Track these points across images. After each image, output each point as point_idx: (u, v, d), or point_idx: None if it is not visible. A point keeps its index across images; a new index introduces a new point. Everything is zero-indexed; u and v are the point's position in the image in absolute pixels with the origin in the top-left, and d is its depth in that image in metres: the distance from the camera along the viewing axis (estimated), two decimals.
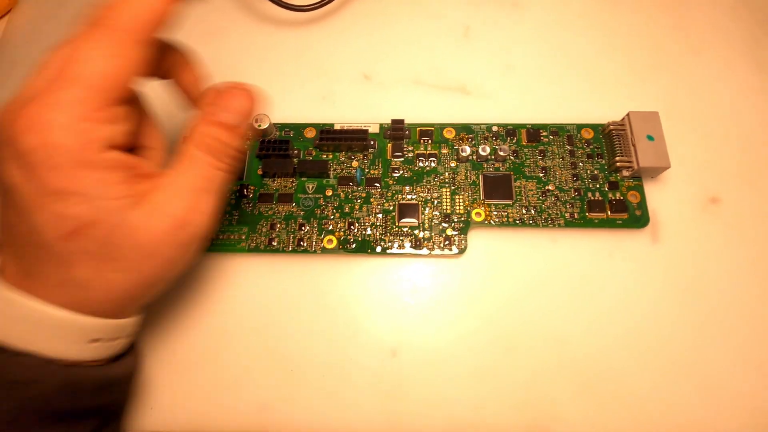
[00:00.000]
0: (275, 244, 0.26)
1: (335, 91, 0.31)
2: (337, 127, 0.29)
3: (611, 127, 0.27)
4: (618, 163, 0.26)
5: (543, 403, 0.24)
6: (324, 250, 0.26)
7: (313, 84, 0.31)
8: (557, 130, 0.28)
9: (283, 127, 0.29)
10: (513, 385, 0.24)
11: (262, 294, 0.26)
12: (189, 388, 0.24)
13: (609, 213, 0.26)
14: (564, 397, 0.24)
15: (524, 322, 0.25)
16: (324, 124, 0.29)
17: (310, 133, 0.29)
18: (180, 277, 0.21)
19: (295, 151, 0.28)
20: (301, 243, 0.26)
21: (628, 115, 0.27)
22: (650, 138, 0.26)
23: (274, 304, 0.26)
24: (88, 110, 0.15)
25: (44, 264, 0.16)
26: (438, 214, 0.27)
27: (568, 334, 0.25)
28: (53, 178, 0.15)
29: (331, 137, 0.28)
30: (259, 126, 0.28)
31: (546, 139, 0.28)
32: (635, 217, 0.26)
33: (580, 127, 0.28)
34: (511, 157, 0.28)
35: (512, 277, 0.26)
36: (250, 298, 0.26)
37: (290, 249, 0.26)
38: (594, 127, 0.28)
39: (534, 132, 0.28)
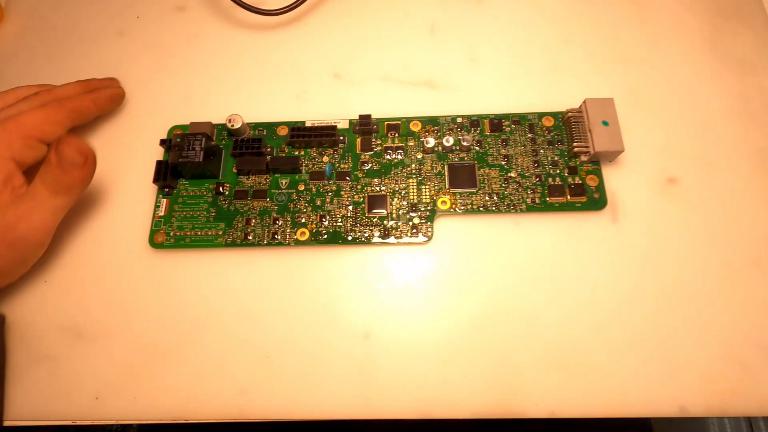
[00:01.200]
0: (251, 238, 0.28)
1: (307, 90, 0.32)
2: (308, 124, 0.30)
3: (569, 114, 0.28)
4: (576, 149, 0.28)
5: (511, 381, 0.25)
6: (297, 243, 0.27)
7: (286, 84, 0.32)
8: (519, 119, 0.29)
9: (256, 126, 0.30)
10: (482, 364, 0.25)
11: (239, 286, 0.27)
12: (171, 377, 0.26)
13: (568, 197, 0.27)
14: (531, 376, 0.25)
15: (491, 304, 0.26)
16: (295, 122, 0.30)
17: (283, 131, 0.30)
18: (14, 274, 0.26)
19: (268, 149, 0.30)
20: (276, 236, 0.28)
21: (584, 102, 0.28)
22: (605, 123, 0.27)
23: (251, 296, 0.27)
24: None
25: None
26: (405, 203, 0.28)
27: (534, 313, 0.26)
28: None
29: (301, 134, 0.29)
30: (232, 126, 0.29)
31: (508, 128, 0.29)
32: (593, 200, 0.27)
33: (541, 115, 0.30)
34: (475, 147, 0.29)
35: (479, 261, 0.27)
36: (228, 290, 0.27)
37: (265, 242, 0.27)
38: (554, 115, 0.30)
39: (497, 122, 0.29)
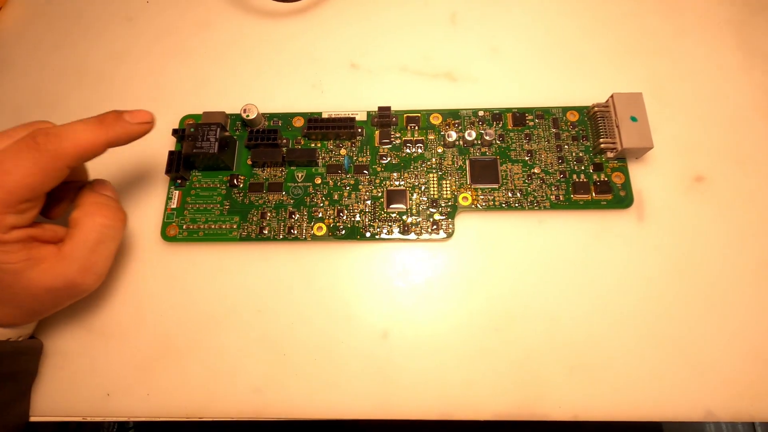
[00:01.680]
0: (266, 232, 0.27)
1: (323, 80, 0.31)
2: (324, 115, 0.29)
3: (595, 109, 0.27)
4: (602, 145, 0.27)
5: (533, 383, 0.24)
6: (314, 237, 0.27)
7: (301, 74, 0.31)
8: (543, 113, 0.29)
9: (271, 117, 0.30)
10: (503, 365, 0.25)
11: (254, 281, 0.27)
12: (184, 374, 0.25)
13: (594, 194, 0.27)
14: (554, 377, 0.24)
15: (513, 304, 0.26)
16: (312, 113, 0.29)
17: (299, 122, 0.29)
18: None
19: (284, 141, 0.29)
20: (292, 231, 0.27)
21: (612, 96, 0.27)
22: (633, 119, 0.26)
23: (266, 291, 0.26)
24: (1, 206, 0.19)
25: None
26: (425, 199, 0.27)
27: (557, 314, 0.25)
28: None
29: (318, 126, 0.28)
30: (247, 116, 0.28)
31: (531, 123, 0.28)
32: (619, 197, 0.27)
33: (565, 110, 0.29)
34: (497, 141, 0.28)
35: (500, 259, 0.26)
36: (243, 285, 0.27)
37: (281, 237, 0.27)
38: (579, 109, 0.29)
39: (519, 116, 0.28)
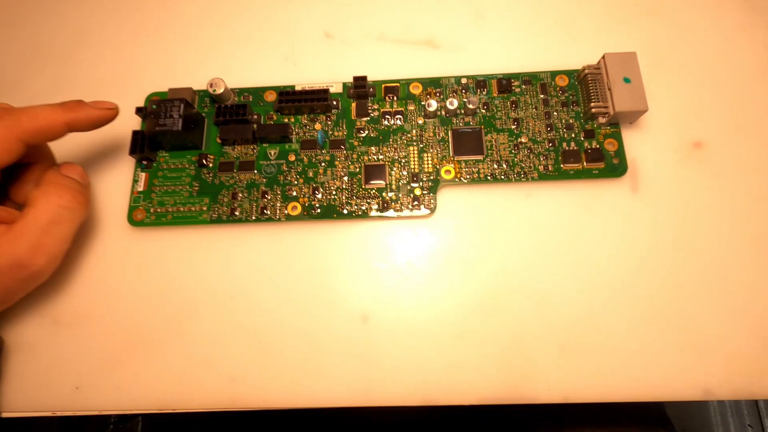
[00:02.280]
0: (238, 213, 0.25)
1: (296, 52, 0.29)
2: (297, 88, 0.27)
3: (586, 71, 0.25)
4: (593, 110, 0.25)
5: (521, 363, 0.23)
6: (288, 218, 0.25)
7: (273, 45, 0.30)
8: (530, 78, 0.27)
9: (241, 92, 0.28)
10: (489, 347, 0.23)
11: (227, 266, 0.25)
12: (156, 365, 0.24)
13: (585, 163, 0.25)
14: (543, 358, 0.23)
15: (500, 282, 0.24)
16: (284, 87, 0.28)
17: (271, 97, 0.28)
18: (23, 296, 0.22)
19: (255, 116, 0.27)
20: (265, 211, 0.25)
21: (603, 57, 0.25)
22: (627, 80, 0.24)
23: (240, 276, 0.25)
24: None
25: None
26: (405, 173, 0.26)
27: (546, 292, 0.24)
28: None
29: (291, 99, 0.26)
30: (214, 91, 0.26)
31: (518, 89, 0.27)
32: (612, 165, 0.25)
33: (554, 74, 0.27)
34: (482, 110, 0.26)
35: (486, 235, 0.25)
36: (215, 270, 0.25)
37: (254, 218, 0.25)
38: (569, 73, 0.27)
39: (505, 82, 0.27)
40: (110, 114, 0.24)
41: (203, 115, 0.27)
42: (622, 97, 0.24)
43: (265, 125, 0.26)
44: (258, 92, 0.28)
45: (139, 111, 0.27)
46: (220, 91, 0.26)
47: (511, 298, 0.24)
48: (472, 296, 0.24)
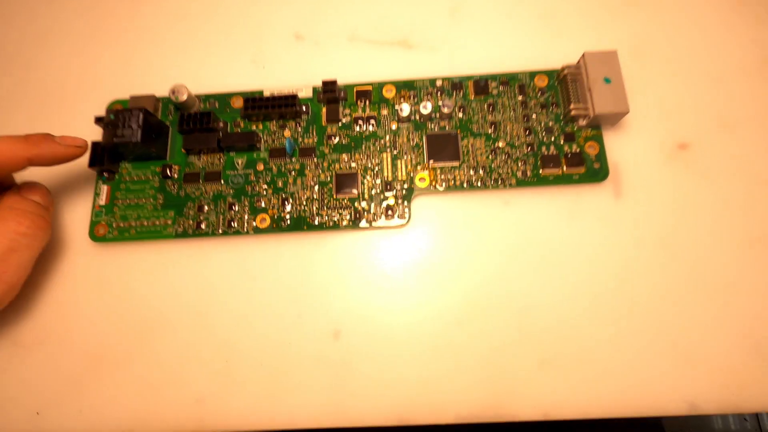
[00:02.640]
0: (204, 227, 0.24)
1: (264, 54, 0.28)
2: (266, 93, 0.26)
3: (566, 71, 0.24)
4: (573, 112, 0.24)
5: (502, 379, 0.22)
6: (257, 230, 0.24)
7: (239, 47, 0.28)
8: (508, 80, 0.26)
9: (207, 98, 0.27)
10: (466, 362, 0.22)
11: (193, 282, 0.24)
12: (119, 387, 0.23)
13: (565, 168, 0.24)
14: (524, 372, 0.22)
15: (478, 294, 0.23)
16: (252, 92, 0.26)
17: (237, 103, 0.26)
18: None
19: (221, 124, 0.26)
20: (232, 224, 0.24)
21: (583, 56, 0.24)
22: (607, 80, 0.23)
23: (207, 292, 0.24)
24: None
25: None
26: (379, 182, 0.24)
27: (527, 303, 0.23)
28: None
29: (258, 105, 0.25)
30: (177, 99, 0.25)
31: (495, 91, 0.25)
32: (593, 170, 0.24)
33: (533, 75, 0.26)
34: (457, 114, 0.25)
35: (463, 245, 0.24)
36: (180, 287, 0.24)
37: (221, 231, 0.24)
38: (549, 73, 0.26)
39: (483, 84, 0.25)
40: (76, 152, 0.23)
41: (167, 123, 0.26)
42: (603, 99, 0.23)
43: (231, 134, 0.25)
44: (224, 98, 0.26)
45: (98, 120, 0.25)
46: (183, 98, 0.25)
47: (489, 311, 0.23)
48: (449, 309, 0.23)
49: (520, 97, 0.25)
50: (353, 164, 0.25)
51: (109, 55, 0.29)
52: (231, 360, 0.23)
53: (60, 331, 0.24)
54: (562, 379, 0.22)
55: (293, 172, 0.25)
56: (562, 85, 0.25)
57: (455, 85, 0.26)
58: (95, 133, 0.26)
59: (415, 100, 0.26)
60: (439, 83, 0.26)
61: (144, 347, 0.23)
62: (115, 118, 0.24)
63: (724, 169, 0.24)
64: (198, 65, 0.28)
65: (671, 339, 0.22)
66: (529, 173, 0.24)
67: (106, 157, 0.25)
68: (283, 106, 0.25)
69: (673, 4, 0.28)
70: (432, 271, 0.24)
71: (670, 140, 0.25)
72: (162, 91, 0.26)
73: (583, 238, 0.24)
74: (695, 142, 0.25)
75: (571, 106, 0.24)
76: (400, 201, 0.24)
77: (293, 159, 0.25)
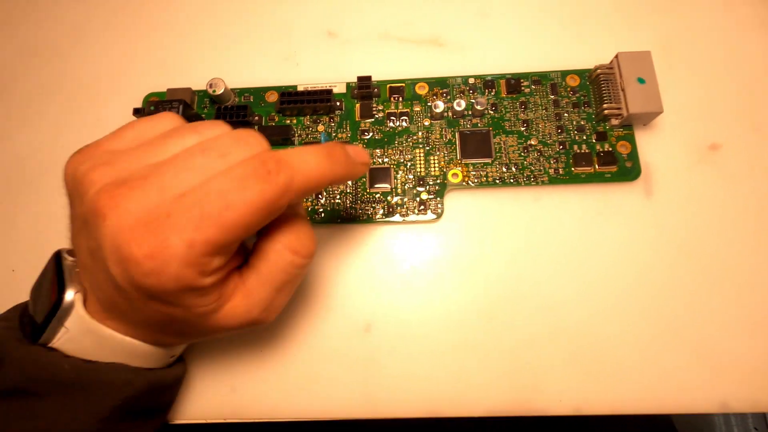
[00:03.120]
0: None
1: (298, 51, 0.29)
2: (300, 88, 0.27)
3: (598, 71, 0.25)
4: (606, 111, 0.24)
5: (528, 374, 0.22)
6: None
7: (274, 44, 0.29)
8: (540, 78, 0.26)
9: (242, 92, 0.27)
10: (497, 357, 0.22)
11: None
12: None
13: (597, 166, 0.24)
14: (551, 369, 0.22)
15: (507, 290, 0.23)
16: (286, 87, 0.27)
17: (272, 97, 0.27)
18: None
19: (256, 118, 0.26)
20: None
21: (616, 56, 0.24)
22: (641, 81, 0.24)
23: None
24: (211, 249, 0.15)
25: (130, 314, 0.17)
26: (412, 177, 0.25)
27: (555, 300, 0.23)
28: (155, 290, 0.15)
29: (293, 100, 0.26)
30: (214, 91, 0.25)
31: (527, 90, 0.26)
32: (625, 169, 0.24)
33: (564, 74, 0.26)
34: (490, 111, 0.25)
35: (494, 241, 0.24)
36: None
37: None
38: (580, 73, 0.26)
39: (514, 82, 0.26)
40: (365, 170, 0.19)
41: (203, 116, 0.27)
42: (636, 99, 0.23)
43: (267, 126, 0.26)
44: (259, 92, 0.27)
45: (137, 112, 0.26)
46: (219, 91, 0.25)
47: (520, 307, 0.23)
48: (478, 304, 0.23)
49: (552, 96, 0.25)
50: (386, 159, 0.25)
51: (145, 49, 0.29)
52: (264, 350, 0.23)
53: None
54: (593, 376, 0.22)
55: None
56: (595, 85, 0.25)
57: (487, 83, 0.26)
58: None
59: (448, 97, 0.26)
60: (471, 81, 0.26)
61: None
62: (155, 109, 0.24)
63: (755, 170, 0.24)
64: (233, 61, 0.28)
65: (702, 339, 0.22)
66: (561, 171, 0.24)
67: None
68: (317, 101, 0.25)
69: (703, 6, 0.28)
70: (463, 266, 0.24)
71: (702, 141, 0.25)
72: (197, 85, 0.27)
73: (613, 236, 0.24)
74: (726, 143, 0.25)
75: (605, 105, 0.24)
76: (432, 196, 0.24)
77: None
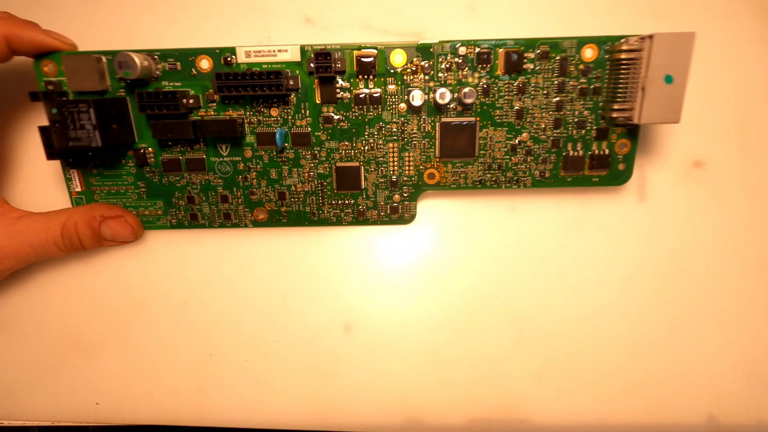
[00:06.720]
0: (201, 220, 0.23)
1: (272, 37, 0.21)
2: (239, 52, 0.20)
3: (624, 47, 0.19)
4: (614, 113, 0.20)
5: (499, 387, 0.23)
6: (256, 224, 0.23)
7: (244, 29, 0.21)
8: (550, 47, 0.20)
9: (165, 55, 0.20)
10: (464, 369, 0.23)
11: (185, 271, 0.24)
12: (94, 374, 0.24)
13: (586, 171, 0.22)
14: (523, 381, 0.23)
15: (479, 298, 0.23)
16: (223, 49, 0.20)
17: (205, 64, 0.21)
18: None
19: (191, 101, 0.21)
20: (229, 218, 0.23)
21: (652, 37, 0.19)
22: (668, 80, 0.19)
23: (199, 283, 0.24)
24: None
25: None
26: (384, 179, 0.22)
27: (529, 311, 0.23)
28: None
29: (232, 85, 0.20)
30: (127, 74, 0.19)
31: (530, 66, 0.20)
32: (617, 172, 0.22)
33: (581, 42, 0.20)
34: (480, 98, 0.21)
35: (468, 246, 0.24)
36: (171, 275, 0.24)
37: (217, 224, 0.23)
38: (600, 41, 0.20)
39: (516, 57, 0.20)
40: (61, 47, 0.20)
41: (124, 97, 0.21)
42: (655, 106, 0.19)
43: (207, 121, 0.21)
44: (186, 58, 0.21)
45: (35, 97, 0.20)
46: (135, 75, 0.19)
47: (490, 317, 0.23)
48: (447, 313, 0.24)
49: (556, 80, 0.21)
50: (354, 153, 0.22)
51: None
52: (215, 353, 0.24)
53: (35, 312, 0.24)
54: (560, 390, 0.23)
55: (288, 162, 0.22)
56: (613, 69, 0.20)
57: (481, 56, 0.20)
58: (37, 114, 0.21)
59: (431, 73, 0.21)
60: (462, 51, 0.20)
61: (122, 336, 0.24)
62: (59, 113, 0.19)
63: (739, 190, 0.23)
64: (201, 43, 0.21)
65: (686, 352, 0.23)
66: (547, 174, 0.22)
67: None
68: (265, 87, 0.20)
69: (697, 17, 0.21)
70: (435, 273, 0.24)
71: (686, 158, 0.23)
72: (106, 43, 0.20)
73: (593, 247, 0.23)
74: (711, 161, 0.23)
75: (615, 105, 0.20)
76: (406, 198, 0.23)
77: (286, 145, 0.22)
